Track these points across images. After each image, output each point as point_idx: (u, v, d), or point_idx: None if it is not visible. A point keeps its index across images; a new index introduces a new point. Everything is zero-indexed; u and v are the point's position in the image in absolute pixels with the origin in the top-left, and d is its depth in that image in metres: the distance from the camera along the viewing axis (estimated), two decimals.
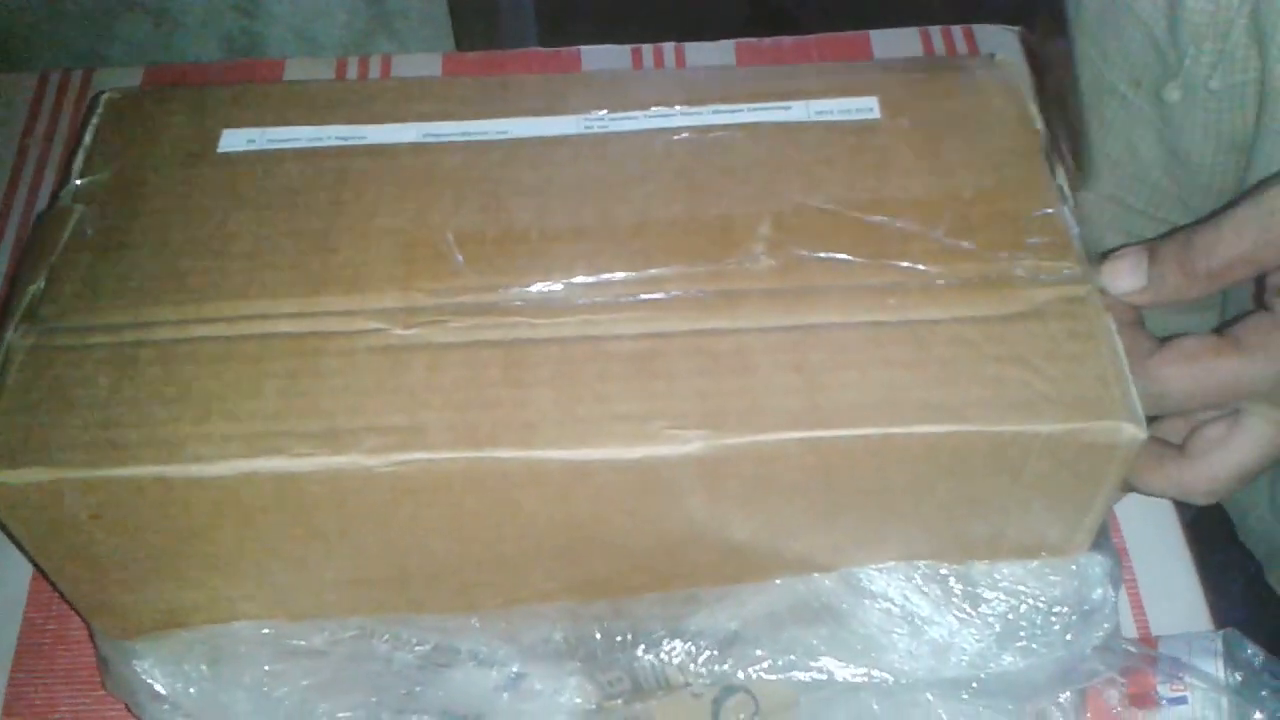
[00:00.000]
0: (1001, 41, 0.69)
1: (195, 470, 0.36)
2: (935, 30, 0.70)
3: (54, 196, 0.44)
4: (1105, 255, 0.40)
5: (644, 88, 0.47)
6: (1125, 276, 0.39)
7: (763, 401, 0.37)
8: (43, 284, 0.41)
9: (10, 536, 0.39)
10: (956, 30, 0.70)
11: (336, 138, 0.45)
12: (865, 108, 0.45)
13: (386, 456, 0.36)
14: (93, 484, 0.36)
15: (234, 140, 0.45)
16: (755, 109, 0.45)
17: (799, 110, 0.45)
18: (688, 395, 0.37)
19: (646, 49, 0.69)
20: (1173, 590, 0.51)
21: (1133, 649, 0.45)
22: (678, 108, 0.45)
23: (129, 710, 0.45)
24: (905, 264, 0.40)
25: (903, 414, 0.37)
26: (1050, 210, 0.41)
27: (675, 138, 0.44)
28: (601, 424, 0.37)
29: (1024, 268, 0.40)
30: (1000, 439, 0.37)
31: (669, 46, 0.69)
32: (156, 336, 0.39)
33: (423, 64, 0.68)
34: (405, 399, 0.37)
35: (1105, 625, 0.43)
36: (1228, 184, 0.58)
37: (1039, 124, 0.44)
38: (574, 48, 0.69)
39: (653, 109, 0.45)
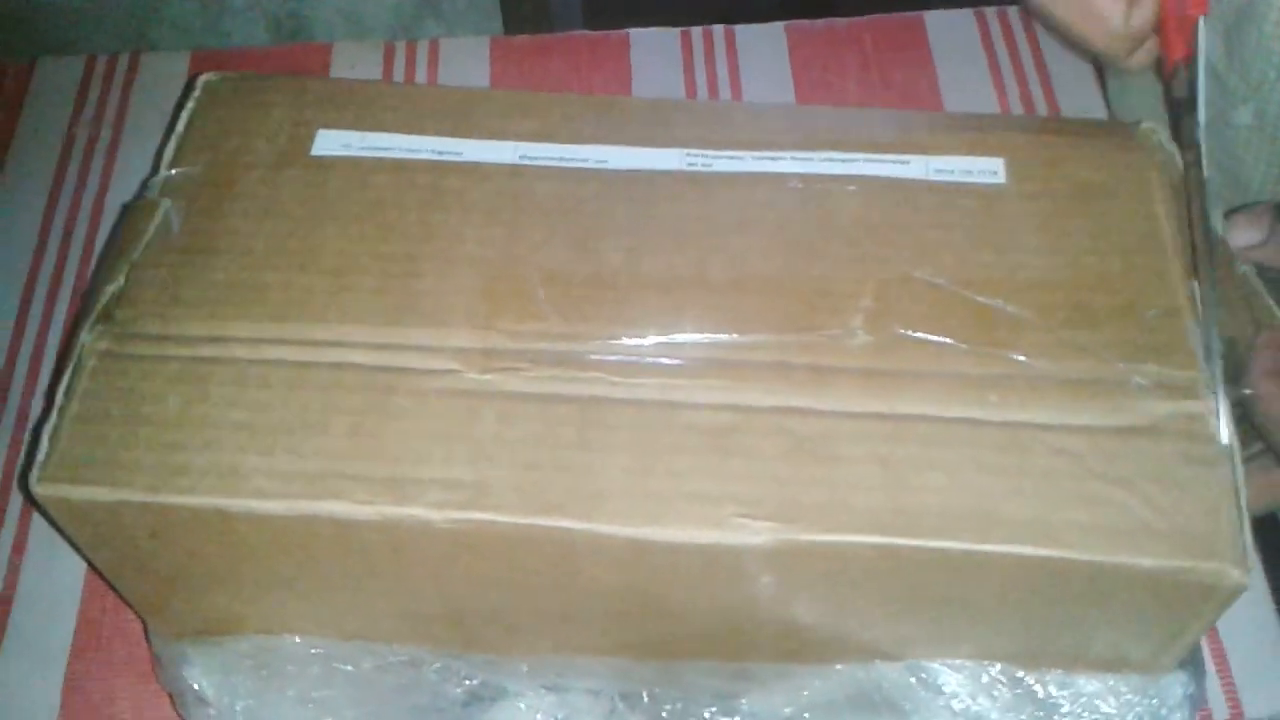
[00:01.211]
0: None
1: (256, 506, 0.36)
2: (991, 13, 0.66)
3: (143, 185, 0.44)
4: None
5: (754, 125, 0.44)
6: (1245, 230, 0.37)
7: (842, 497, 0.35)
8: (121, 284, 0.40)
9: (67, 539, 0.39)
10: (1013, 13, 0.66)
11: (432, 151, 0.43)
12: (990, 170, 0.42)
13: (448, 513, 0.35)
14: (152, 508, 0.36)
15: (329, 143, 0.44)
16: (871, 160, 0.42)
17: (918, 166, 0.42)
18: (764, 479, 0.35)
19: (696, 32, 0.66)
20: (1266, 671, 0.48)
21: None
22: (788, 152, 0.43)
23: (174, 708, 0.46)
24: (1014, 355, 0.37)
25: (992, 530, 0.34)
26: (1177, 310, 0.38)
27: (782, 186, 0.42)
28: (672, 502, 0.35)
29: (1142, 374, 0.37)
30: (1096, 568, 0.34)
31: (718, 30, 0.66)
32: (231, 354, 0.38)
33: (470, 47, 0.67)
34: (473, 451, 0.36)
35: None
36: None
37: (1178, 209, 0.41)
38: (623, 31, 0.67)
39: (761, 151, 0.43)
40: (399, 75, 0.66)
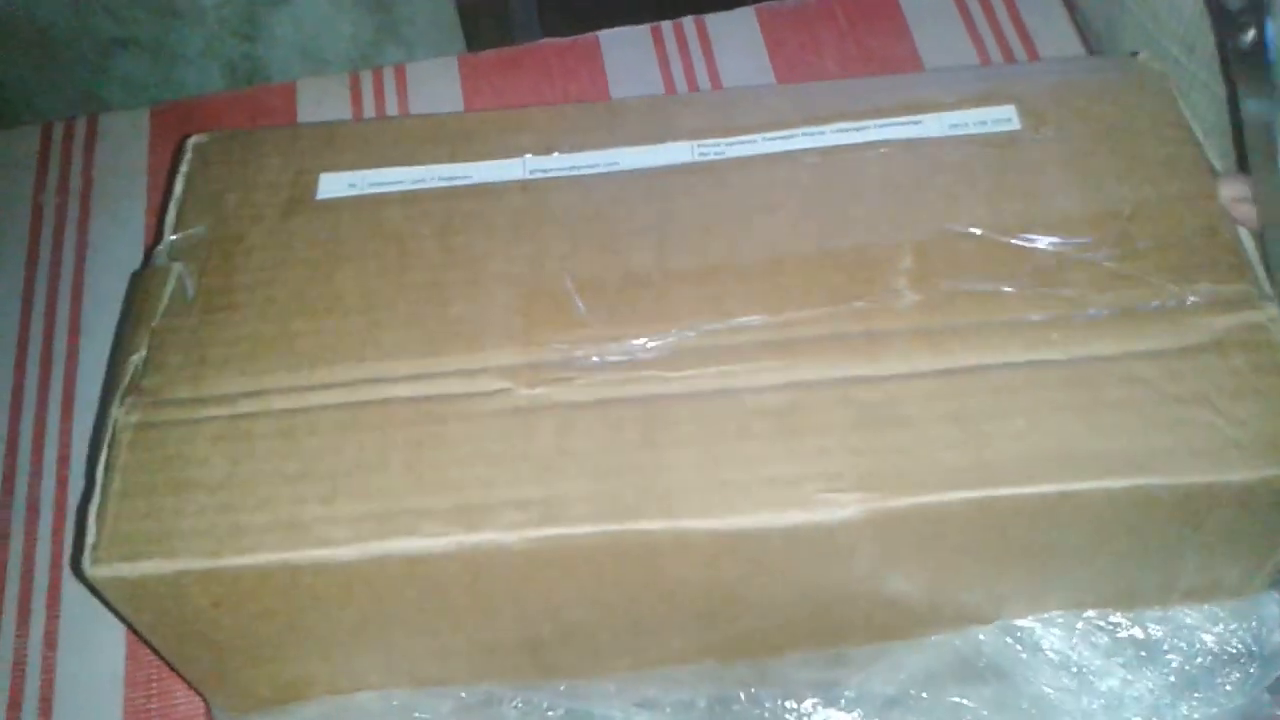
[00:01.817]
0: None
1: (325, 555, 0.34)
2: None
3: (148, 254, 0.42)
4: None
5: (757, 107, 0.44)
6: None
7: (922, 458, 0.34)
8: (145, 353, 0.39)
9: (123, 620, 0.37)
10: None
11: (439, 178, 0.42)
12: (1003, 118, 0.42)
13: (524, 533, 0.34)
14: (216, 574, 0.34)
15: (333, 185, 0.43)
16: (883, 125, 0.42)
17: (931, 124, 0.42)
18: (839, 453, 0.35)
19: (666, 26, 0.66)
20: None
21: None
22: (798, 129, 0.42)
23: None
24: (1066, 292, 0.37)
25: (1079, 468, 0.34)
26: (1218, 225, 0.38)
27: (800, 162, 0.41)
28: (749, 489, 0.34)
29: (1197, 293, 0.37)
30: (1187, 491, 0.34)
31: (689, 21, 0.66)
32: (271, 406, 0.37)
33: (437, 69, 0.66)
34: (538, 467, 0.35)
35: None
36: None
37: (1195, 130, 0.41)
38: (591, 34, 0.66)
39: (771, 132, 0.42)
40: (368, 105, 0.65)
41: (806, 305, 0.38)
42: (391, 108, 0.64)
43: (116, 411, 0.37)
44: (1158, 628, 0.39)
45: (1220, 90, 0.55)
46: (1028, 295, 0.37)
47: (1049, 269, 0.38)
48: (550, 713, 0.41)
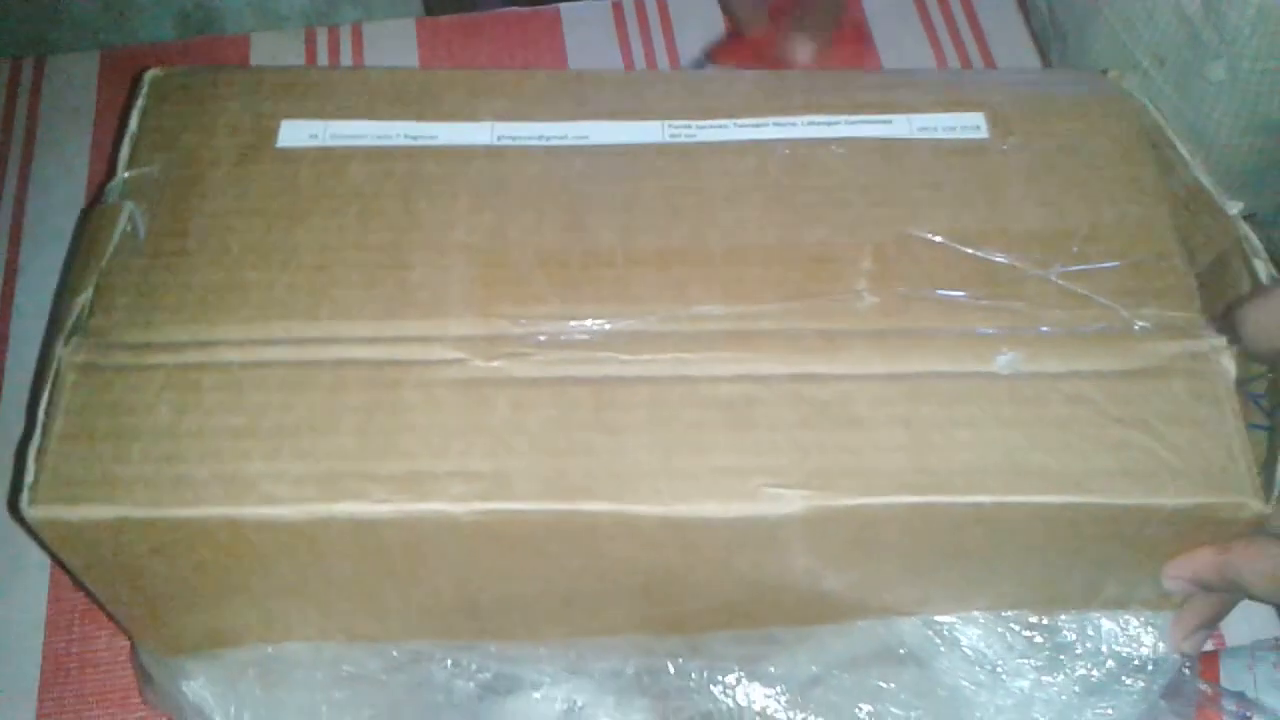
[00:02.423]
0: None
1: (268, 512, 0.34)
2: None
3: (99, 190, 0.41)
4: None
5: (730, 92, 0.44)
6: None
7: (869, 460, 0.35)
8: (91, 293, 0.38)
9: (55, 559, 0.37)
10: None
11: (405, 136, 0.42)
12: (972, 124, 0.42)
13: (470, 505, 0.34)
14: (157, 523, 0.34)
15: (294, 134, 0.42)
16: (854, 122, 0.42)
17: (901, 125, 0.42)
18: (788, 449, 0.35)
19: (628, 3, 0.66)
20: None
21: (1203, 687, 0.44)
22: (770, 118, 0.42)
23: None
24: (1018, 306, 0.38)
25: (1018, 481, 0.35)
26: (1170, 251, 0.39)
27: (770, 153, 0.41)
28: (699, 478, 0.35)
29: (1144, 317, 0.38)
30: (1120, 511, 0.35)
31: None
32: (221, 358, 0.36)
33: (395, 30, 0.65)
34: (490, 441, 0.35)
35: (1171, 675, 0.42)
36: (1250, 164, 0.56)
37: (1173, 152, 0.41)
38: (553, 6, 0.66)
39: (743, 118, 0.42)
40: (322, 62, 0.64)
41: (766, 299, 0.38)
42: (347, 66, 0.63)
43: (61, 351, 0.37)
44: (1071, 633, 0.40)
45: (1182, 103, 0.56)
46: (982, 306, 0.38)
47: (1004, 281, 0.38)
48: (480, 674, 0.42)
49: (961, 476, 0.35)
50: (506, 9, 0.66)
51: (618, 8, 0.66)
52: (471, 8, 0.72)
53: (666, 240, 0.39)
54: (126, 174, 0.41)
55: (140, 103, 0.43)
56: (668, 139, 0.42)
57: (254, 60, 0.64)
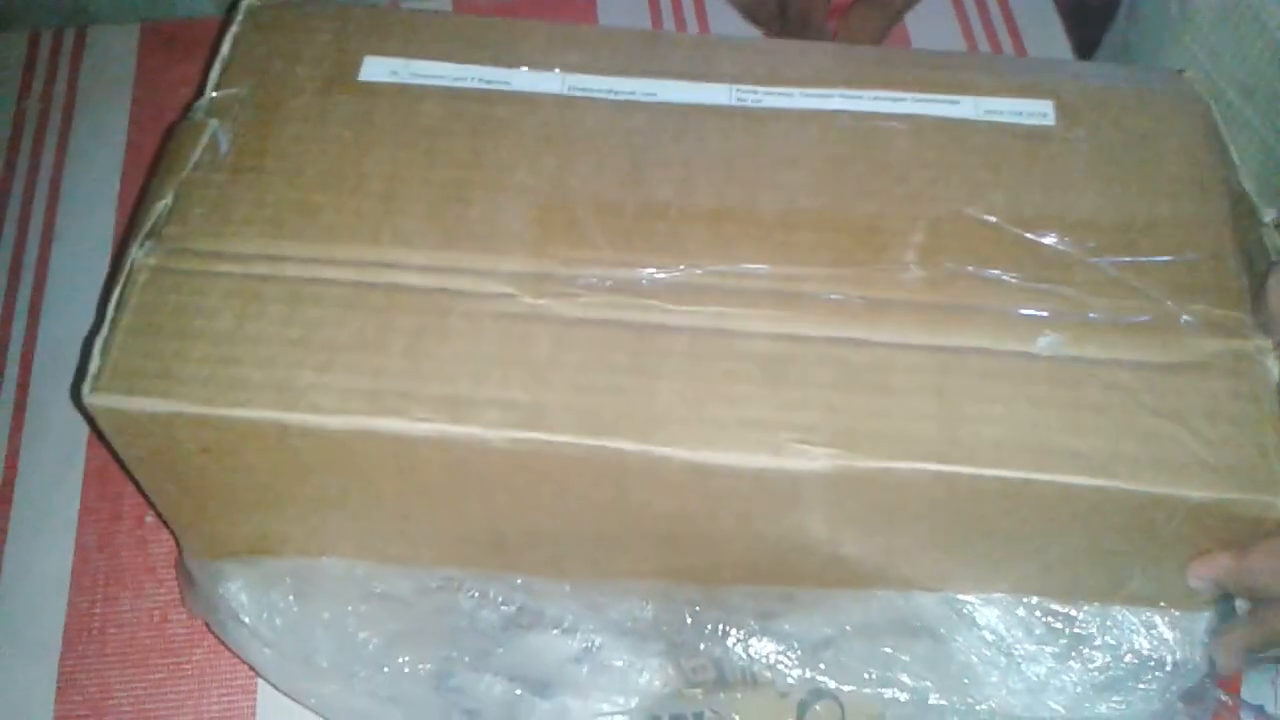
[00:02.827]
0: None
1: (314, 421, 0.36)
2: None
3: (188, 107, 0.43)
4: None
5: (801, 62, 0.44)
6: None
7: (898, 426, 0.35)
8: (170, 201, 0.40)
9: (111, 451, 0.39)
10: None
11: (480, 80, 0.43)
12: (1040, 112, 0.42)
13: (505, 432, 0.35)
14: (208, 421, 0.36)
15: (376, 69, 0.43)
16: (921, 100, 0.43)
17: (968, 107, 0.42)
18: (819, 408, 0.36)
19: None
20: None
21: (1223, 697, 0.44)
22: (837, 90, 0.43)
23: (208, 629, 0.46)
24: (1066, 291, 0.38)
25: (1046, 460, 0.35)
26: (1225, 253, 0.39)
27: (832, 123, 0.42)
28: (728, 427, 0.35)
29: (1191, 313, 0.37)
30: (1146, 499, 0.35)
31: None
32: (284, 273, 0.38)
33: (435, 5, 0.65)
34: (529, 374, 0.36)
35: (1194, 680, 0.41)
36: None
37: (1225, 156, 0.41)
38: None
39: (810, 88, 0.43)
40: None
41: (814, 262, 0.38)
42: None
43: (136, 252, 0.39)
44: (1093, 624, 0.40)
45: (1270, 138, 0.55)
46: (1030, 288, 0.38)
47: (1054, 266, 0.38)
48: (504, 606, 0.43)
49: (989, 450, 0.35)
50: None
51: None
52: None
53: (721, 199, 0.40)
54: (215, 94, 0.43)
55: (234, 29, 0.45)
56: (734, 102, 0.43)
57: None
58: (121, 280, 0.38)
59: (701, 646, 0.42)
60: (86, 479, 0.51)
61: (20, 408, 0.53)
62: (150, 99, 0.62)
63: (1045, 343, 0.37)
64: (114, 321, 0.37)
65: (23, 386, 0.53)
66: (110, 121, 0.61)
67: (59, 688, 0.47)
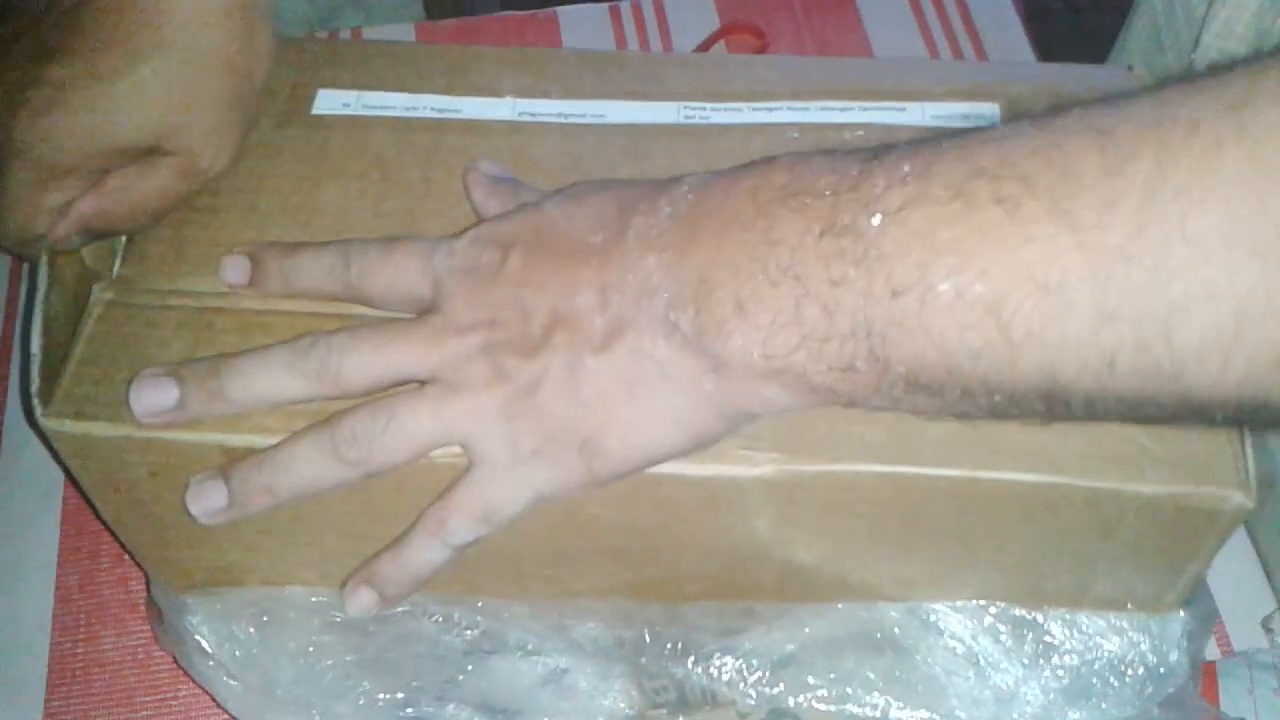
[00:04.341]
0: None
1: (257, 441, 0.36)
2: None
3: None
4: None
5: (747, 76, 0.45)
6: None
7: (843, 429, 0.35)
8: (124, 241, 0.40)
9: (74, 482, 0.39)
10: None
11: (432, 109, 0.44)
12: (987, 116, 0.42)
13: (449, 450, 0.35)
14: (153, 444, 0.36)
15: (329, 102, 0.44)
16: (868, 108, 0.43)
17: (915, 113, 0.43)
18: None
19: (624, 5, 0.66)
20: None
21: (1200, 706, 0.43)
22: (784, 102, 0.43)
23: (176, 662, 0.45)
24: None
25: (993, 457, 0.34)
26: None
27: (781, 136, 0.42)
28: None
29: None
30: (1097, 495, 0.34)
31: (646, 1, 0.67)
32: (238, 305, 0.39)
33: (395, 35, 0.66)
34: None
35: (1175, 686, 0.40)
36: None
37: None
38: (550, 10, 0.67)
39: (757, 102, 0.43)
40: None
41: None
42: None
43: (93, 290, 0.39)
44: (1062, 630, 0.40)
45: None
46: None
47: None
48: (467, 631, 0.43)
49: (934, 449, 0.35)
50: (504, 12, 0.68)
51: (614, 11, 0.67)
52: (470, 11, 0.74)
53: None
54: None
55: None
56: (681, 120, 0.43)
57: None
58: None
59: (663, 667, 0.41)
60: (65, 518, 0.52)
61: None
62: None
63: None
64: (68, 353, 0.37)
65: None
66: None
67: None
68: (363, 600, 0.38)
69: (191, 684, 0.47)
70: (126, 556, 0.50)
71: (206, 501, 0.36)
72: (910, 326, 0.28)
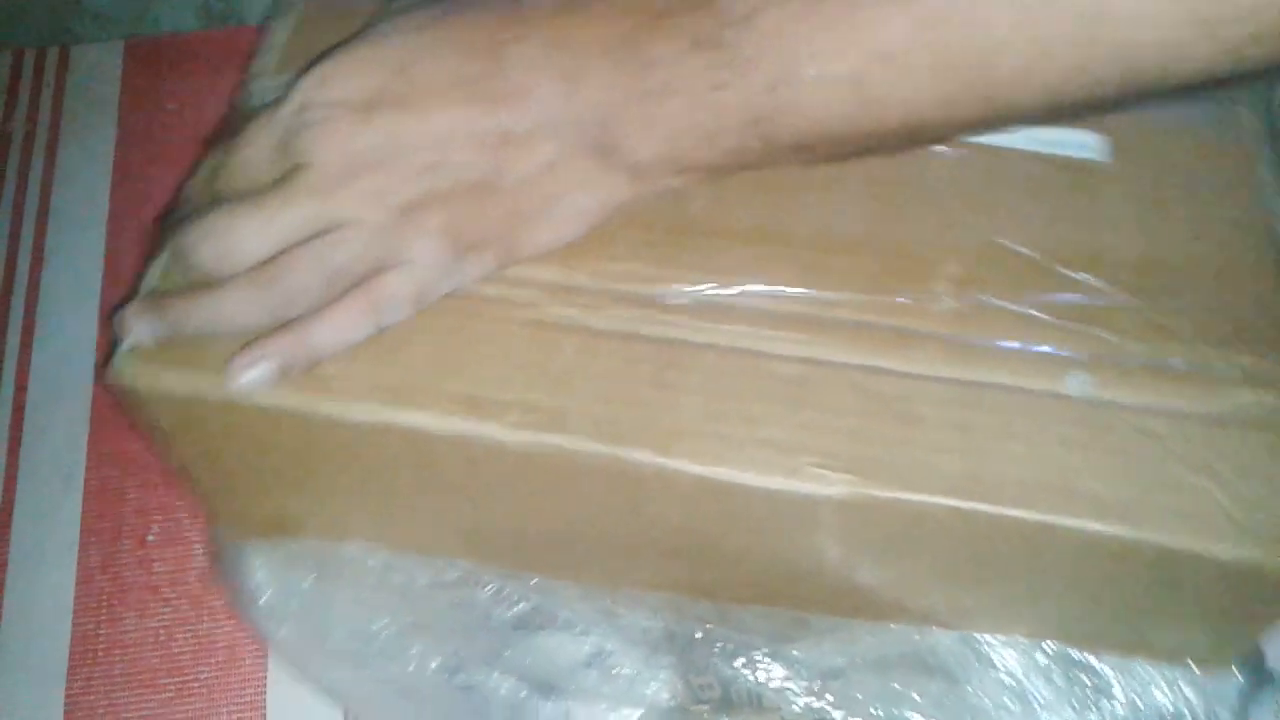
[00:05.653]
0: None
1: (334, 410, 0.36)
2: None
3: (244, 83, 0.44)
4: None
5: None
6: None
7: (919, 457, 0.35)
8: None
9: (143, 430, 0.40)
10: None
11: None
12: (1092, 145, 0.41)
13: (523, 435, 0.35)
14: (231, 405, 0.36)
15: None
16: None
17: (1018, 134, 0.42)
18: (840, 433, 0.35)
19: None
20: None
21: None
22: None
23: (231, 607, 0.46)
24: (1102, 332, 0.37)
25: (1069, 504, 0.34)
26: (1270, 303, 0.38)
27: None
28: (745, 446, 0.35)
29: (1231, 363, 0.36)
30: (1170, 553, 0.34)
31: None
32: None
33: None
34: (552, 380, 0.36)
35: None
36: None
37: (1275, 203, 0.40)
38: None
39: None
40: None
41: (844, 287, 0.38)
42: None
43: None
44: (1115, 676, 0.39)
45: None
46: (1064, 327, 0.37)
47: (1092, 306, 0.38)
48: (519, 605, 0.43)
49: (1010, 489, 0.34)
50: None
51: None
52: None
53: (754, 217, 0.40)
54: (270, 81, 0.43)
55: (289, 25, 0.45)
56: None
57: None
58: (159, 260, 0.39)
59: (710, 664, 0.42)
60: (86, 500, 0.52)
61: (16, 430, 0.53)
62: (137, 116, 0.62)
63: (1075, 383, 0.36)
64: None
65: (18, 409, 0.54)
66: (97, 140, 0.62)
67: (66, 711, 0.47)
68: (258, 372, 0.35)
69: (214, 664, 0.48)
70: (149, 538, 0.51)
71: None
72: (789, 110, 0.33)
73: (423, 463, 0.38)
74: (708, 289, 0.38)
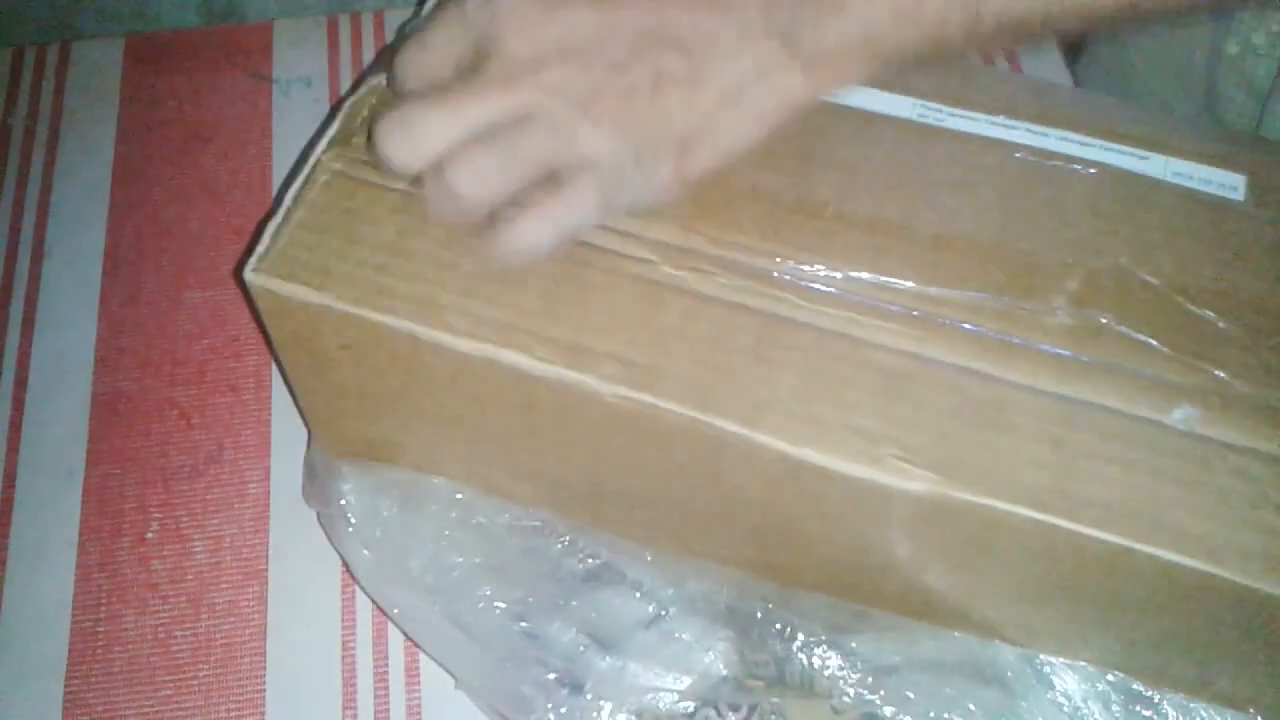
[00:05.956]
0: None
1: (445, 339, 0.37)
2: None
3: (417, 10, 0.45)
4: None
5: (992, 87, 0.44)
6: None
7: (1006, 466, 0.35)
8: (367, 113, 0.42)
9: (263, 333, 0.41)
10: None
11: None
12: (1230, 184, 0.41)
13: (617, 388, 0.36)
14: (351, 320, 0.38)
15: None
16: (1108, 148, 0.42)
17: (1156, 164, 0.41)
18: (929, 431, 0.35)
19: None
20: None
21: None
22: (1024, 122, 0.42)
23: (319, 521, 0.48)
24: (1214, 369, 0.36)
25: (1155, 533, 0.33)
26: None
27: (1010, 155, 0.41)
28: (833, 430, 0.35)
29: None
30: (1250, 595, 0.33)
31: None
32: None
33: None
34: (653, 338, 0.37)
35: None
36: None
37: None
38: None
39: (997, 116, 0.42)
40: (345, 50, 0.65)
41: (958, 288, 0.38)
42: (368, 53, 0.64)
43: (323, 155, 0.41)
44: (1176, 716, 0.39)
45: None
46: (1178, 359, 0.37)
47: (1209, 342, 0.37)
48: (589, 559, 0.44)
49: (1095, 510, 0.34)
50: None
51: None
52: None
53: (878, 209, 0.40)
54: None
55: None
56: (915, 116, 0.43)
57: (275, 46, 0.65)
58: (305, 176, 0.41)
59: (767, 643, 0.42)
60: (85, 497, 0.52)
61: (16, 427, 0.53)
62: (137, 112, 0.63)
63: (1180, 415, 0.35)
64: (289, 212, 0.40)
65: (18, 405, 0.54)
66: (97, 135, 0.62)
67: (65, 708, 0.47)
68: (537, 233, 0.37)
69: (212, 662, 0.48)
70: (148, 535, 0.51)
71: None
72: None
73: (519, 403, 0.39)
74: (820, 270, 0.38)
